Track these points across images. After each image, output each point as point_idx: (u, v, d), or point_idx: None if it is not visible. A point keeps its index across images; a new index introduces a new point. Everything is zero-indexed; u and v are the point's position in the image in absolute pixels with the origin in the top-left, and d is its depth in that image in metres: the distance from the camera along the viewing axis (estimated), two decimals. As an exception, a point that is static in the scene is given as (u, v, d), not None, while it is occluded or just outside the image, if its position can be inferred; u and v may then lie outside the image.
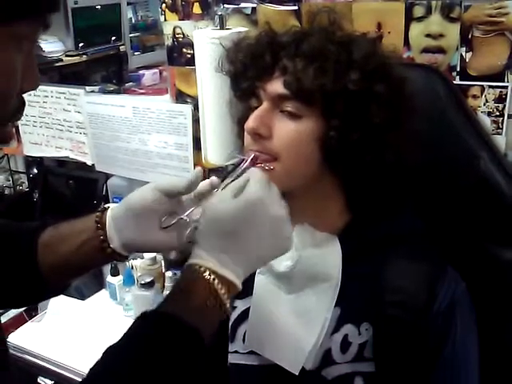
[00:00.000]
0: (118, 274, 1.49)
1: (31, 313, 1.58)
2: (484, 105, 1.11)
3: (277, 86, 0.71)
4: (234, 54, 0.77)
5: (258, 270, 0.81)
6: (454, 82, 1.11)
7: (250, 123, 0.71)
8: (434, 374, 0.71)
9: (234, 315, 0.84)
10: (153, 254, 1.47)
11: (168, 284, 1.44)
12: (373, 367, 0.72)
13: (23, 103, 0.55)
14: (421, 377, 0.71)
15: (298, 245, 0.78)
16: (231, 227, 0.60)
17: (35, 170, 2.00)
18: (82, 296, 1.56)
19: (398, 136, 0.72)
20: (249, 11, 1.33)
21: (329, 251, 0.76)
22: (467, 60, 1.11)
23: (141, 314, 0.60)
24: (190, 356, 0.57)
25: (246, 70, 0.74)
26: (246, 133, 0.74)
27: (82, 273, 0.80)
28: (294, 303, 0.77)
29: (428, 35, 1.13)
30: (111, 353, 0.57)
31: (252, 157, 0.71)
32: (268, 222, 0.61)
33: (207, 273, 0.60)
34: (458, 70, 1.13)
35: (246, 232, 0.61)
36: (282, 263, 0.78)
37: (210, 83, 1.25)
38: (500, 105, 1.10)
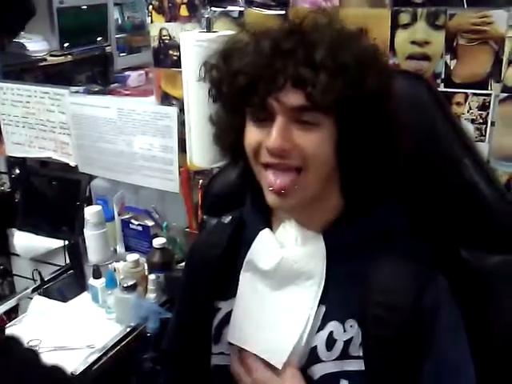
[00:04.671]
0: (101, 277, 1.47)
1: (11, 315, 1.56)
2: (468, 112, 1.13)
3: (294, 99, 0.69)
4: (234, 67, 0.72)
5: (243, 268, 0.82)
6: (439, 89, 1.12)
7: (274, 143, 0.69)
8: (424, 374, 0.72)
9: (219, 316, 0.84)
10: (136, 257, 1.46)
11: (151, 287, 1.43)
12: (358, 366, 0.72)
13: None
14: (410, 377, 0.72)
15: (283, 242, 0.78)
16: None
17: (17, 171, 1.97)
18: (64, 298, 1.54)
19: (402, 136, 0.74)
20: (236, 15, 1.33)
21: (313, 249, 0.77)
22: (452, 67, 1.13)
23: None
24: None
25: (255, 82, 0.70)
26: (258, 147, 0.72)
27: None
28: (279, 300, 0.78)
29: (413, 42, 1.14)
30: None
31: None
32: None
33: None
34: (443, 77, 1.14)
35: None
36: (267, 261, 0.78)
37: (196, 85, 1.25)
38: (483, 112, 1.12)
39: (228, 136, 0.79)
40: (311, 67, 0.68)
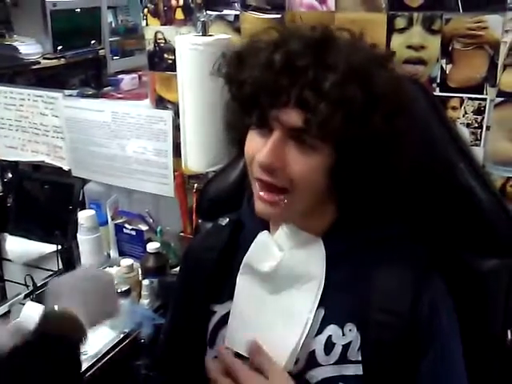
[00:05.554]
0: None
1: (3, 320, 1.54)
2: (463, 116, 1.13)
3: (294, 119, 0.68)
4: (241, 75, 0.72)
5: (240, 270, 0.81)
6: (434, 93, 1.12)
7: (264, 159, 0.69)
8: (421, 373, 0.72)
9: (214, 320, 0.84)
10: (130, 261, 1.45)
11: (145, 292, 1.41)
12: (356, 370, 0.72)
13: None
14: (406, 380, 0.72)
15: (282, 245, 0.78)
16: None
17: (10, 175, 1.95)
18: (57, 304, 1.52)
19: (405, 160, 0.73)
20: (232, 18, 1.33)
21: (313, 252, 0.77)
22: (447, 72, 1.13)
23: None
24: None
25: (258, 94, 0.70)
26: (252, 159, 0.72)
27: None
28: (277, 303, 0.78)
29: (409, 47, 1.14)
30: None
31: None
32: None
33: None
34: (439, 81, 1.14)
35: None
36: (266, 263, 0.78)
37: (191, 89, 1.24)
38: (479, 117, 1.12)
39: (237, 129, 0.79)
40: (316, 92, 0.66)
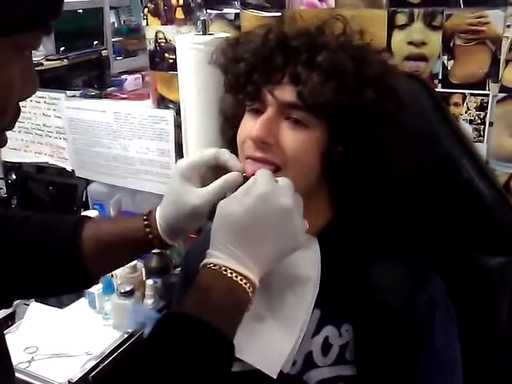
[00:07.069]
0: (98, 283, 1.46)
1: (8, 322, 1.55)
2: (466, 113, 1.12)
3: (287, 94, 0.68)
4: (238, 53, 0.73)
5: None
6: (436, 89, 1.12)
7: (257, 132, 0.68)
8: (417, 371, 0.71)
9: None
10: (134, 262, 1.44)
11: (148, 292, 1.42)
12: (354, 371, 0.72)
13: (19, 110, 0.53)
14: (401, 379, 0.71)
15: None
16: (242, 224, 0.61)
17: (14, 176, 1.96)
18: (61, 304, 1.53)
19: (400, 152, 0.72)
20: (232, 17, 1.33)
21: (308, 252, 0.75)
22: (449, 68, 1.12)
23: (163, 317, 0.61)
24: (214, 360, 0.57)
25: (253, 71, 0.71)
26: (245, 138, 0.72)
27: (121, 261, 0.84)
28: (273, 305, 0.76)
29: (410, 43, 1.14)
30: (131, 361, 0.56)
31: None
32: (275, 215, 0.61)
33: (228, 271, 0.60)
34: (440, 77, 1.13)
35: (257, 228, 0.61)
36: None
37: (192, 88, 1.24)
38: (481, 113, 1.11)
39: (230, 127, 0.79)
40: (310, 67, 0.67)
